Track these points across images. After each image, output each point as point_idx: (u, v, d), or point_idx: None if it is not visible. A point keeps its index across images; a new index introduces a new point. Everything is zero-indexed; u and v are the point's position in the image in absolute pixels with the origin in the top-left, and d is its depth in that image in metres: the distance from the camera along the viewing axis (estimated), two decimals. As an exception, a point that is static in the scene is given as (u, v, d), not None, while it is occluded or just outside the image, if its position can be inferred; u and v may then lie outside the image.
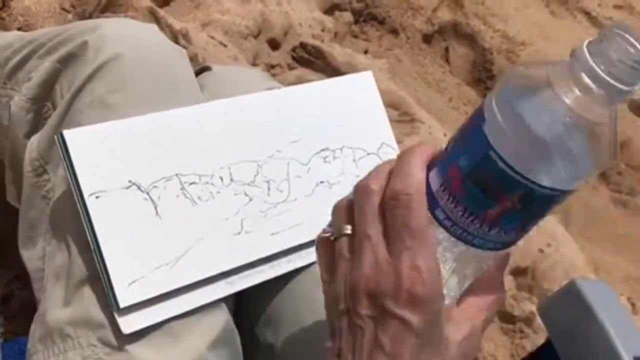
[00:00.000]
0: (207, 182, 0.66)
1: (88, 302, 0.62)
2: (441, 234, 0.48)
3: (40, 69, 0.74)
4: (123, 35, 0.71)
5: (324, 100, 0.76)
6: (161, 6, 1.43)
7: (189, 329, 0.63)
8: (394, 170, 0.48)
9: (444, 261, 0.48)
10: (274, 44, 1.57)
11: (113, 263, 0.60)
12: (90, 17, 1.28)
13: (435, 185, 0.48)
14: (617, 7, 2.35)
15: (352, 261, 0.49)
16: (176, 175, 0.65)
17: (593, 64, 0.41)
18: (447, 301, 0.49)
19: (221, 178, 0.67)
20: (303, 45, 1.61)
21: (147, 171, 0.63)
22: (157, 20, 1.35)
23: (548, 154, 0.43)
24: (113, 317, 0.60)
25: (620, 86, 0.41)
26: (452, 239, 0.48)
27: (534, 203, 0.46)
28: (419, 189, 0.47)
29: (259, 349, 0.72)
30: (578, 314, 0.84)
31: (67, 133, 0.61)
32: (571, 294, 0.85)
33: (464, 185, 0.46)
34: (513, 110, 0.43)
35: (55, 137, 0.61)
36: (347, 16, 1.74)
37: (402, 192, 0.47)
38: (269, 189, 0.70)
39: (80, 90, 0.68)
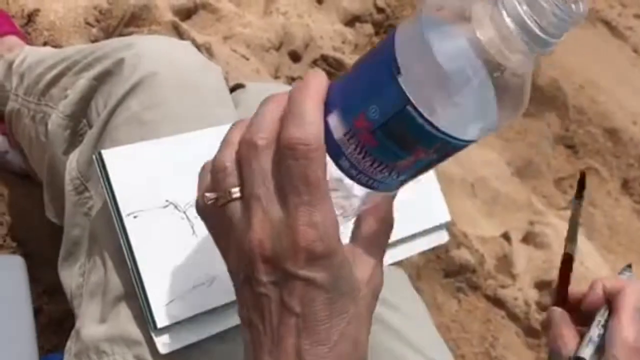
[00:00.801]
0: None
1: (124, 319, 0.62)
2: (340, 182, 0.45)
3: (76, 86, 0.74)
4: (159, 53, 0.71)
5: None
6: (183, 20, 1.43)
7: (223, 347, 0.63)
8: (287, 114, 0.44)
9: (340, 208, 0.46)
10: (295, 57, 1.57)
11: (151, 283, 0.59)
12: (114, 31, 1.28)
13: (338, 132, 0.44)
14: (637, 16, 2.34)
15: (242, 225, 0.44)
16: None
17: (519, 8, 0.39)
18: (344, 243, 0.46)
19: None
20: (324, 58, 1.60)
21: (184, 190, 0.63)
22: (180, 34, 1.35)
23: (465, 105, 0.41)
24: (149, 334, 0.60)
25: (544, 36, 0.39)
26: (355, 186, 0.45)
27: (447, 151, 0.43)
28: (318, 138, 0.43)
29: None
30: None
31: (105, 153, 0.61)
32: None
33: (375, 137, 0.42)
34: (427, 54, 0.40)
35: (94, 156, 0.61)
36: (368, 28, 1.74)
37: (300, 141, 0.42)
38: None
39: (116, 107, 0.68)
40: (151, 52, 0.71)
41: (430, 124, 0.41)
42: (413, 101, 0.41)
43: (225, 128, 0.67)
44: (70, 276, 0.71)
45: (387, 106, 0.42)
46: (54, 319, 1.00)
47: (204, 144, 0.65)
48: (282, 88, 0.87)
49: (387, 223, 0.48)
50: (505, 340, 1.37)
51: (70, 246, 0.72)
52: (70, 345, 0.67)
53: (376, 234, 0.47)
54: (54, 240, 0.77)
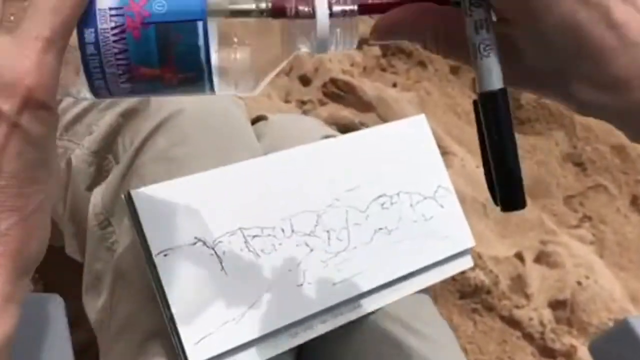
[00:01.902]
0: (269, 235, 0.67)
1: (153, 357, 0.62)
2: (75, 52, 0.40)
3: (102, 122, 0.74)
4: None
5: (379, 146, 0.77)
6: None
7: None
8: None
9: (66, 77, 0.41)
10: (305, 81, 1.59)
11: (182, 321, 0.60)
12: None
13: (105, 2, 0.39)
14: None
15: None
16: (239, 229, 0.65)
17: None
18: None
19: (282, 230, 0.68)
20: (333, 81, 1.62)
21: (212, 227, 0.64)
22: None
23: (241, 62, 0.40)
24: None
25: None
26: (82, 69, 0.40)
27: (191, 89, 0.41)
28: None
29: None
30: (632, 353, 0.84)
31: (134, 192, 0.61)
32: (624, 333, 0.85)
33: (142, 29, 0.39)
34: None
35: (123, 196, 0.62)
36: (375, 50, 1.76)
37: None
38: (329, 238, 0.70)
39: (143, 144, 0.69)
40: None
41: (207, 52, 0.39)
42: (208, 22, 0.39)
43: (250, 163, 0.69)
44: (93, 310, 0.71)
45: (179, 10, 0.39)
46: (75, 351, 1.00)
47: (229, 180, 0.67)
48: (304, 119, 0.88)
49: None
50: (522, 361, 1.37)
51: (92, 280, 0.72)
52: None
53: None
54: (75, 272, 0.78)
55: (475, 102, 0.42)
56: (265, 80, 0.44)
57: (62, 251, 0.84)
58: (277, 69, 0.44)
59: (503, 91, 0.40)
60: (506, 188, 0.42)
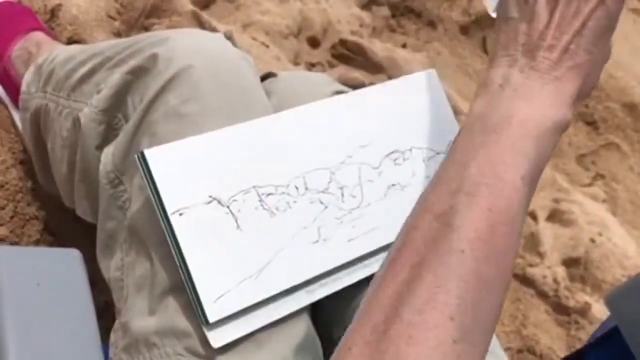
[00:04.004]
0: (283, 193, 0.67)
1: (173, 312, 0.63)
2: None
3: (110, 81, 0.74)
4: (193, 47, 0.71)
5: (391, 102, 0.76)
6: (202, 9, 1.43)
7: (272, 337, 0.64)
8: None
9: None
10: (314, 43, 1.57)
11: (200, 279, 0.60)
12: (136, 23, 1.28)
13: None
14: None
15: None
16: (254, 187, 0.65)
17: None
18: None
19: (297, 187, 0.67)
20: (343, 43, 1.60)
21: (227, 185, 0.64)
22: (202, 24, 1.35)
23: None
24: (198, 326, 0.61)
25: None
26: None
27: None
28: None
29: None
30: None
31: (148, 152, 0.61)
32: (641, 285, 0.85)
33: None
34: None
35: (136, 156, 0.62)
36: (384, 11, 1.73)
37: None
38: (343, 195, 0.70)
39: (153, 101, 0.69)
40: (185, 46, 0.71)
41: None
42: None
43: (263, 121, 0.68)
44: (108, 269, 0.72)
45: None
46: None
47: (242, 138, 0.66)
48: (314, 77, 0.87)
49: None
50: (536, 319, 1.37)
51: (106, 238, 0.73)
52: (117, 339, 0.67)
53: None
54: (90, 234, 0.78)
55: None
56: None
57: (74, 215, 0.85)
58: None
59: None
60: None
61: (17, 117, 1.05)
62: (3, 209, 1.02)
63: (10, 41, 1.05)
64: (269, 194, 0.66)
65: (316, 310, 0.71)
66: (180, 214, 0.61)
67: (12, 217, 1.03)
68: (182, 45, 0.71)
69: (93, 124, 0.76)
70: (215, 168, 0.64)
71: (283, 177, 0.67)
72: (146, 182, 0.61)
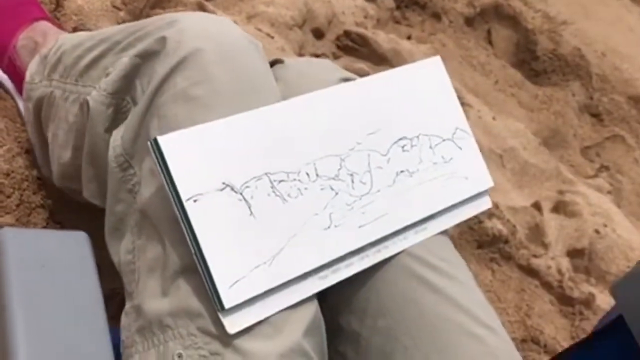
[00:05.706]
0: (294, 179, 0.67)
1: (185, 293, 0.63)
2: None
3: (119, 64, 0.74)
4: (201, 30, 0.71)
5: (397, 89, 0.77)
6: (206, 0, 1.43)
7: (285, 320, 0.64)
8: None
9: None
10: (318, 34, 1.57)
11: (215, 265, 0.60)
12: (141, 13, 1.28)
13: None
14: (656, -19, 2.32)
15: None
16: (265, 174, 0.65)
17: None
18: None
19: (307, 174, 0.67)
20: (347, 34, 1.60)
21: (239, 172, 0.64)
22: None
23: None
24: (211, 306, 0.61)
25: None
26: None
27: None
28: None
29: (342, 336, 0.73)
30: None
31: (161, 139, 0.61)
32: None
33: None
34: None
35: (149, 143, 0.61)
36: (389, 2, 1.73)
37: None
38: (352, 181, 0.70)
39: (162, 84, 0.69)
40: (194, 29, 0.71)
41: None
42: None
43: (273, 108, 0.68)
44: (117, 252, 0.72)
45: None
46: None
47: (253, 125, 0.66)
48: (320, 63, 0.87)
49: None
50: (540, 309, 1.37)
51: (115, 221, 0.73)
52: (129, 322, 0.67)
53: None
54: (95, 221, 0.78)
55: None
56: None
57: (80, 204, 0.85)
58: None
59: None
60: None
61: (22, 106, 1.04)
62: (9, 197, 1.02)
63: (16, 31, 1.04)
64: (281, 180, 0.66)
65: (326, 296, 0.71)
66: (194, 201, 0.61)
67: (17, 205, 1.03)
68: (190, 27, 0.71)
69: (101, 106, 0.76)
70: (227, 155, 0.64)
71: (294, 163, 0.67)
72: (159, 168, 0.61)
